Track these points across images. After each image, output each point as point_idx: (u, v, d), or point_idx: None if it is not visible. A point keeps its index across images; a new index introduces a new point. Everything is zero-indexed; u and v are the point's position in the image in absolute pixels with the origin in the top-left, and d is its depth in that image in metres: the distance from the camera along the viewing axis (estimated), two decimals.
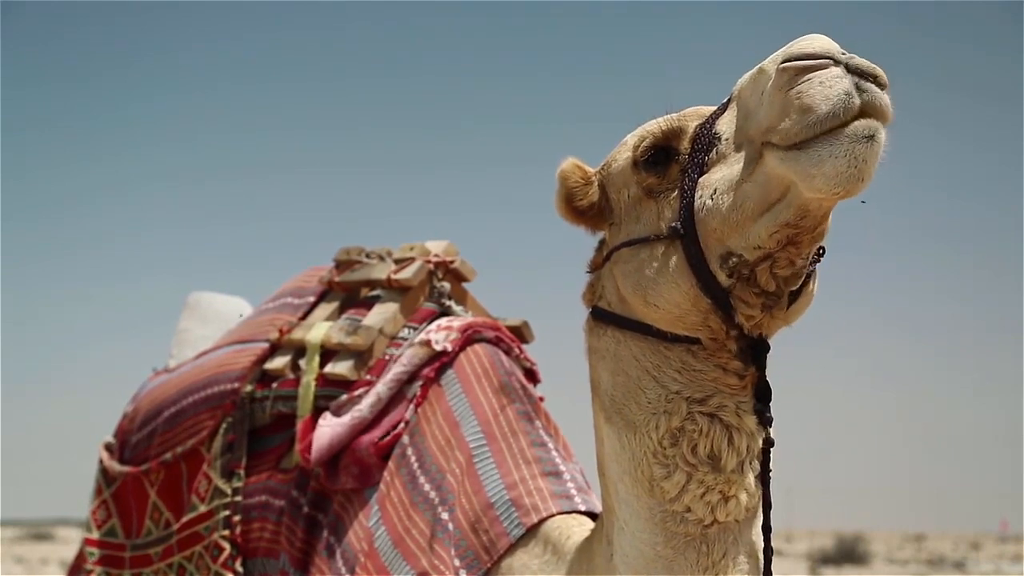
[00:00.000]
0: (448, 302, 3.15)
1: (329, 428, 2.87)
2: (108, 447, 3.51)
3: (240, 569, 2.98)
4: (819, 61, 1.67)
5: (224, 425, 3.13)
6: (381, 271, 3.20)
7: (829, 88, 1.65)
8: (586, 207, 2.16)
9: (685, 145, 1.95)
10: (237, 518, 3.02)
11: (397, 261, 3.24)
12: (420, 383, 2.85)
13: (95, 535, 3.36)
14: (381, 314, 3.09)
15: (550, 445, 2.65)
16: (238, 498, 3.04)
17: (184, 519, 3.12)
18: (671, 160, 1.96)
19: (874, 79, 1.67)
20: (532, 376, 3.00)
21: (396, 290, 3.16)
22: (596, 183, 2.17)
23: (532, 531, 2.43)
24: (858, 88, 1.65)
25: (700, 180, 1.87)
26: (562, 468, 2.58)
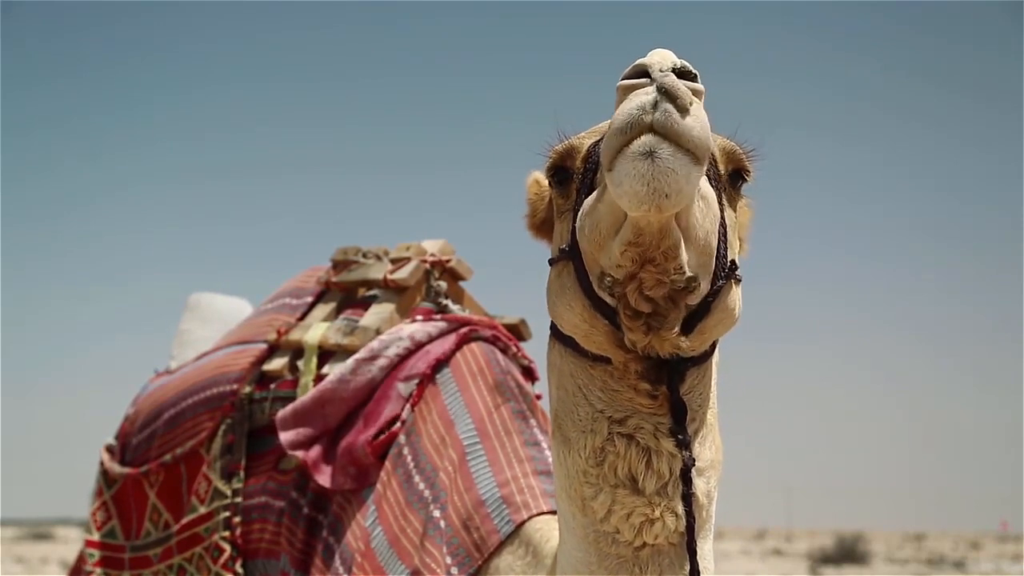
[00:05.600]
0: (445, 301, 3.16)
1: None
2: (109, 449, 3.52)
3: (240, 570, 2.99)
4: (638, 80, 1.64)
5: (223, 427, 3.14)
6: (378, 271, 3.22)
7: (630, 103, 1.62)
8: (539, 223, 2.14)
9: (579, 164, 1.88)
10: (237, 519, 3.03)
11: (393, 261, 3.25)
12: (416, 382, 2.86)
13: (95, 536, 3.36)
14: (378, 314, 3.10)
15: (544, 444, 2.66)
16: (238, 499, 3.05)
17: (184, 520, 3.13)
18: (571, 180, 1.90)
19: (674, 100, 1.60)
20: (530, 374, 2.99)
21: (393, 290, 3.17)
22: (547, 198, 2.12)
23: (518, 530, 2.43)
24: (655, 105, 1.60)
25: (585, 200, 1.79)
26: None
